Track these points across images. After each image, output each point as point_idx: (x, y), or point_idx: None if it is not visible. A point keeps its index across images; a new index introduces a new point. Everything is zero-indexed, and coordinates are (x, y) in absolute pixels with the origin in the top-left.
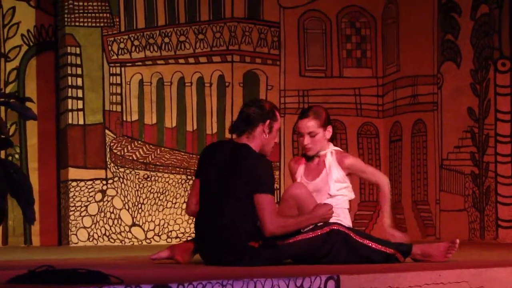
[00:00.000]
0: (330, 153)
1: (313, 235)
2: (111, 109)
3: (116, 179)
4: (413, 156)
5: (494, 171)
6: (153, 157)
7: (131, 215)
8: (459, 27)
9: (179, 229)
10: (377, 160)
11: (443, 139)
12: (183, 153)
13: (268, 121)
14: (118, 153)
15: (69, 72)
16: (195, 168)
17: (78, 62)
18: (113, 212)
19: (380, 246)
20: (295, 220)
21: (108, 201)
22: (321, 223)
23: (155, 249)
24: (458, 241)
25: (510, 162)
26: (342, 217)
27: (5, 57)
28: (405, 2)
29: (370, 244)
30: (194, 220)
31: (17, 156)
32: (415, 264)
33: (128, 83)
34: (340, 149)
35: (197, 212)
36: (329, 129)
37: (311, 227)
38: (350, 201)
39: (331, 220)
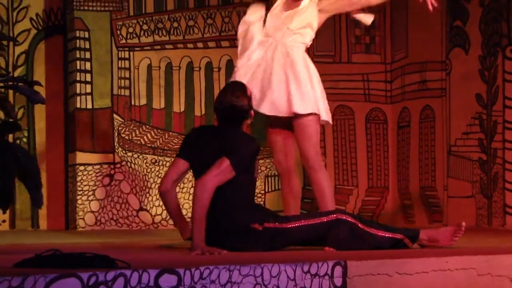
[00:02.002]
0: None
1: (318, 221)
2: (119, 94)
3: (124, 163)
4: (421, 142)
5: (502, 157)
6: (161, 141)
7: (139, 199)
8: (468, 13)
9: (186, 214)
10: (385, 146)
11: (451, 125)
12: None
13: (251, 111)
14: (126, 137)
15: (78, 56)
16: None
17: (87, 46)
18: (120, 197)
19: (387, 233)
20: (199, 214)
21: (116, 186)
22: (328, 211)
23: (162, 233)
24: (464, 224)
25: None
26: (296, 53)
27: (13, 41)
28: None
29: (377, 232)
30: None
31: (25, 139)
32: (423, 250)
33: (137, 67)
34: None
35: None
36: None
37: (317, 213)
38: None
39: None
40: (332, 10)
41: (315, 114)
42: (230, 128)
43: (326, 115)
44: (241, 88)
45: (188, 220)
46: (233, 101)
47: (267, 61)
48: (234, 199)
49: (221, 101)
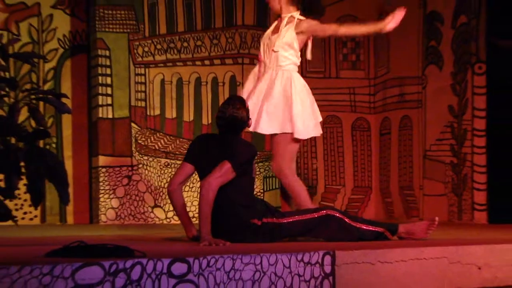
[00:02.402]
0: (290, 17)
1: (310, 217)
2: (136, 105)
3: (140, 166)
4: (400, 147)
5: (471, 161)
6: (173, 147)
7: (153, 197)
8: (442, 34)
9: (195, 210)
10: (368, 151)
11: (427, 133)
12: None
13: (250, 121)
14: (142, 143)
15: (100, 72)
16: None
17: (108, 63)
18: (137, 195)
19: (370, 227)
20: (204, 211)
21: (133, 185)
22: (318, 207)
23: (174, 227)
24: (437, 219)
25: (485, 153)
26: (280, 75)
27: (43, 59)
28: (394, 11)
29: (361, 226)
30: None
31: (54, 145)
32: (401, 242)
33: (151, 82)
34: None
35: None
36: None
37: (309, 209)
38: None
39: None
40: (309, 33)
41: (285, 133)
42: (230, 136)
43: (304, 133)
44: (240, 101)
45: (193, 218)
46: (234, 112)
47: (260, 83)
48: (235, 197)
49: (223, 112)
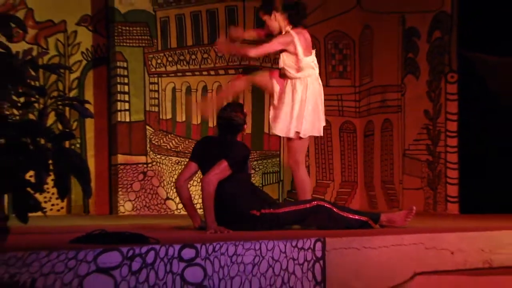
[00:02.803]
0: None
1: (303, 207)
2: (150, 110)
3: (154, 163)
4: (382, 147)
5: (445, 158)
6: (183, 146)
7: (166, 191)
8: (418, 48)
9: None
10: (354, 150)
11: (405, 134)
12: None
13: (245, 126)
14: (156, 143)
15: (118, 81)
16: (191, 153)
17: (125, 73)
18: (151, 189)
19: (356, 216)
20: (208, 203)
21: (148, 180)
22: (310, 199)
23: (184, 217)
24: (414, 208)
25: (456, 152)
26: (286, 84)
27: (69, 70)
28: (377, 28)
29: (348, 215)
30: None
31: (78, 145)
32: (383, 229)
33: (164, 90)
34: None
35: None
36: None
37: (302, 200)
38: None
39: None
40: None
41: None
42: (228, 136)
43: (304, 133)
44: (239, 106)
45: (200, 210)
46: (231, 114)
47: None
48: (233, 191)
49: (222, 113)
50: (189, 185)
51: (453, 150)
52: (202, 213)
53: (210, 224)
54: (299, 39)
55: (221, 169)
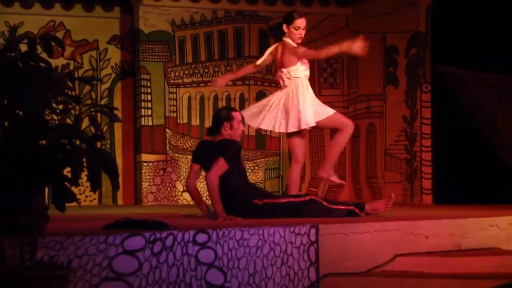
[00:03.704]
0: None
1: (297, 200)
2: (169, 115)
3: (172, 161)
4: (367, 147)
5: (420, 157)
6: None
7: (182, 185)
8: (397, 62)
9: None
10: (343, 150)
11: (387, 136)
12: None
13: (225, 122)
14: (174, 144)
15: (142, 91)
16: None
17: (148, 84)
18: (170, 183)
19: (343, 207)
20: (214, 196)
21: (167, 175)
22: (304, 194)
23: (197, 208)
24: (393, 195)
25: (430, 151)
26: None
27: (100, 81)
28: None
29: (336, 207)
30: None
31: (108, 146)
32: (368, 217)
33: (181, 98)
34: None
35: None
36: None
37: (296, 194)
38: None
39: None
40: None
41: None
42: (217, 136)
43: (311, 121)
44: (228, 108)
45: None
46: (217, 111)
47: None
48: (234, 184)
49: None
50: (198, 182)
51: (427, 150)
52: (210, 204)
53: (220, 213)
54: None
55: (219, 166)
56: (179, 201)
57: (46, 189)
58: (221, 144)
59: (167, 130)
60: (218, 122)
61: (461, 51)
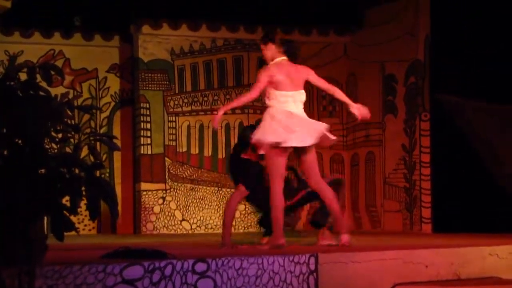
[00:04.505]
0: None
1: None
2: (169, 144)
3: (172, 190)
4: (366, 175)
5: (419, 186)
6: (196, 175)
7: (182, 213)
8: (396, 91)
9: (213, 223)
10: (343, 178)
11: (386, 164)
12: (216, 173)
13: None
14: (173, 172)
15: (142, 119)
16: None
17: (148, 113)
18: (169, 211)
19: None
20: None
21: (167, 204)
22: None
23: (197, 236)
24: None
25: (430, 180)
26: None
27: (100, 110)
28: (361, 74)
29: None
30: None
31: (107, 174)
32: (367, 246)
33: (180, 127)
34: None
35: None
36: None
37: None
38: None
39: None
40: None
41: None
42: (239, 155)
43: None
44: (251, 127)
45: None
46: (243, 133)
47: None
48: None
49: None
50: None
51: (427, 178)
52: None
53: (223, 240)
54: (279, 72)
55: (240, 192)
56: (178, 230)
57: (45, 217)
58: (243, 168)
59: (166, 158)
60: (244, 141)
61: (459, 80)
